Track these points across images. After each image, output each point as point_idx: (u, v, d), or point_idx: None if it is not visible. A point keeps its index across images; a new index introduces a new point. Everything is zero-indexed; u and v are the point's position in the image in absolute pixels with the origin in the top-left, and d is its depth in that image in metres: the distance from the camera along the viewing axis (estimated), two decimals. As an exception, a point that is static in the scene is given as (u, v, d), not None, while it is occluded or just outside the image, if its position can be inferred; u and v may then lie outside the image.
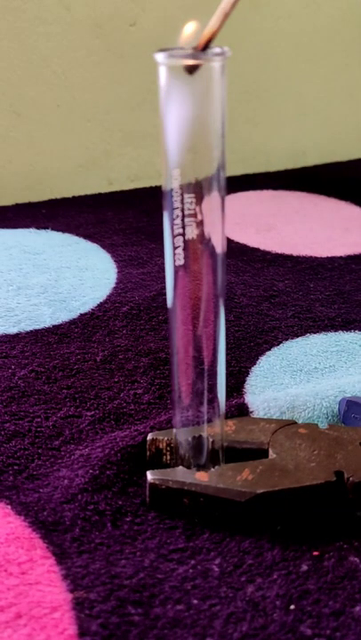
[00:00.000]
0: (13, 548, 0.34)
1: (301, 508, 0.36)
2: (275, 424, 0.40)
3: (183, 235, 0.32)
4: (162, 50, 0.30)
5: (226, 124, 0.31)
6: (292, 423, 0.40)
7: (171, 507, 0.36)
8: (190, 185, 0.31)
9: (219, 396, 0.36)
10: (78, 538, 0.35)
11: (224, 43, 0.30)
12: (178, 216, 0.32)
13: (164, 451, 0.39)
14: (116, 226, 0.74)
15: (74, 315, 0.55)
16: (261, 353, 0.51)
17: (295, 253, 0.68)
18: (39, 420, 0.43)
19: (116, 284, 0.61)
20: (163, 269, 0.61)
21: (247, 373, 0.49)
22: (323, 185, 0.88)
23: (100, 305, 0.57)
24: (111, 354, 0.51)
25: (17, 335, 0.52)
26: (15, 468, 0.39)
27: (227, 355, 0.37)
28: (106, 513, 0.36)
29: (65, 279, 0.61)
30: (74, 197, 0.82)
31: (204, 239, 0.32)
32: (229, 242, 0.70)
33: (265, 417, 0.43)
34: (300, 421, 0.43)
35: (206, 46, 0.29)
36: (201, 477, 0.36)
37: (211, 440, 0.37)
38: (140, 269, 0.64)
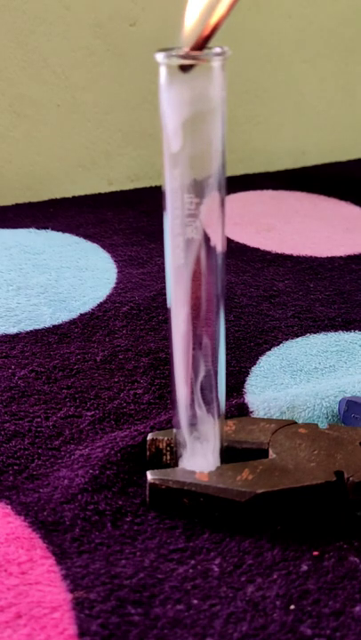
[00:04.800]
0: (13, 548, 0.34)
1: (301, 507, 0.36)
2: (275, 424, 0.40)
3: (183, 235, 0.32)
4: (162, 50, 0.30)
5: (226, 123, 0.31)
6: (292, 423, 0.40)
7: (171, 507, 0.36)
8: (190, 185, 0.31)
9: (219, 395, 0.36)
10: (78, 538, 0.35)
11: (224, 43, 0.30)
12: (178, 216, 0.32)
13: (164, 451, 0.39)
14: (116, 226, 0.74)
15: (74, 315, 0.55)
16: (261, 353, 0.51)
17: (295, 253, 0.68)
18: (39, 419, 0.43)
19: (116, 283, 0.61)
20: (163, 269, 0.61)
21: (247, 373, 0.49)
22: (323, 185, 0.88)
23: (100, 305, 0.57)
24: (111, 354, 0.51)
25: (17, 335, 0.52)
26: (15, 467, 0.39)
27: (227, 355, 0.37)
28: (106, 513, 0.36)
29: (65, 279, 0.61)
30: (74, 197, 0.82)
31: (204, 239, 0.32)
32: (229, 242, 0.70)
33: (265, 417, 0.43)
34: (300, 421, 0.43)
35: (210, 37, 0.29)
36: (201, 477, 0.36)
37: (211, 440, 0.37)
38: (140, 269, 0.64)
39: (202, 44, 0.29)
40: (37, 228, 0.72)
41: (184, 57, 0.29)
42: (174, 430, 0.37)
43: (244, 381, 0.48)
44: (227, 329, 0.36)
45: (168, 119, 0.30)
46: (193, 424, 0.36)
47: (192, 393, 0.36)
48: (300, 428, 0.39)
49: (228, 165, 0.34)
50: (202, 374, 0.35)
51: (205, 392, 0.36)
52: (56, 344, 0.52)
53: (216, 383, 0.36)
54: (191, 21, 0.30)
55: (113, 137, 0.84)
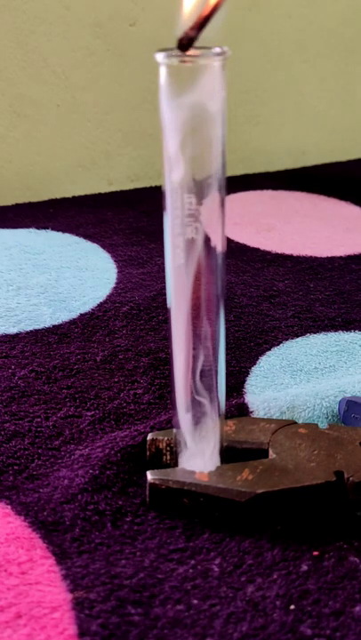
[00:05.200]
0: (13, 548, 0.34)
1: (301, 507, 0.36)
2: (275, 424, 0.40)
3: (183, 235, 0.32)
4: (162, 50, 0.30)
5: (226, 124, 0.31)
6: (292, 423, 0.40)
7: (171, 507, 0.36)
8: (190, 185, 0.31)
9: (219, 395, 0.36)
10: (78, 538, 0.35)
11: (224, 42, 0.30)
12: (178, 216, 0.32)
13: (164, 451, 0.39)
14: (116, 226, 0.74)
15: (74, 315, 0.55)
16: (261, 353, 0.51)
17: (295, 253, 0.68)
18: (39, 419, 0.43)
19: (116, 283, 0.61)
20: (163, 269, 0.61)
21: (247, 373, 0.49)
22: (323, 185, 0.88)
23: (100, 305, 0.57)
24: (111, 354, 0.51)
25: (17, 335, 0.52)
26: (15, 467, 0.39)
27: (227, 355, 0.37)
28: (106, 513, 0.36)
29: (65, 279, 0.61)
30: (74, 197, 0.82)
31: (204, 239, 0.32)
32: (229, 242, 0.70)
33: (265, 417, 0.43)
34: (300, 421, 0.43)
35: (210, 17, 0.29)
36: (201, 477, 0.36)
37: (211, 440, 0.37)
38: (140, 269, 0.64)
39: (202, 23, 0.29)
40: (37, 227, 0.72)
41: (184, 57, 0.29)
42: (174, 430, 0.37)
43: (244, 381, 0.48)
44: (227, 329, 0.36)
45: (168, 122, 0.30)
46: (193, 424, 0.36)
47: (192, 393, 0.36)
48: (300, 428, 0.39)
49: (228, 165, 0.34)
50: (202, 374, 0.35)
51: (205, 392, 0.36)
52: (56, 344, 0.52)
53: (216, 383, 0.36)
54: (191, 1, 0.30)
55: (113, 137, 0.84)
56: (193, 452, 0.37)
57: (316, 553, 0.34)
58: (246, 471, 0.36)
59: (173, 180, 0.31)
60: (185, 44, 0.29)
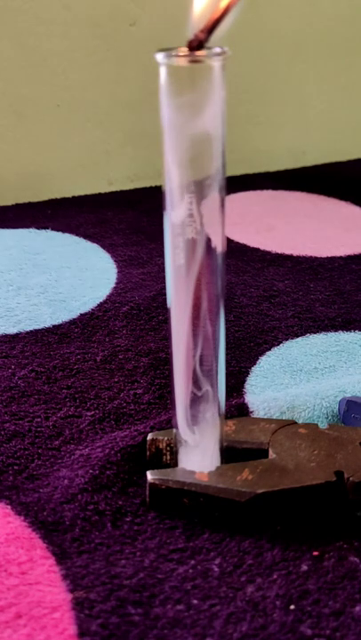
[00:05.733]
0: (13, 548, 0.34)
1: (301, 507, 0.36)
2: (275, 424, 0.40)
3: (183, 235, 0.32)
4: (162, 50, 0.30)
5: (226, 124, 0.31)
6: (292, 423, 0.40)
7: (171, 507, 0.36)
8: (190, 185, 0.31)
9: (219, 395, 0.36)
10: (78, 538, 0.35)
11: (224, 43, 0.30)
12: (178, 216, 0.32)
13: (164, 451, 0.39)
14: (116, 226, 0.74)
15: (74, 315, 0.55)
16: (261, 353, 0.51)
17: (295, 253, 0.68)
18: (39, 419, 0.43)
19: (116, 284, 0.61)
20: (163, 269, 0.61)
21: (247, 373, 0.49)
22: (323, 185, 0.88)
23: (100, 305, 0.57)
24: (111, 354, 0.51)
25: (17, 335, 0.52)
26: (15, 467, 0.39)
27: (227, 355, 0.37)
28: (106, 513, 0.36)
29: (65, 279, 0.61)
30: (74, 197, 0.82)
31: (204, 239, 0.32)
32: (229, 242, 0.70)
33: (265, 417, 0.43)
34: (300, 421, 0.43)
35: (220, 19, 0.29)
36: (201, 477, 0.36)
37: (211, 440, 0.37)
38: (140, 269, 0.64)
39: (212, 26, 0.29)
40: (37, 227, 0.72)
41: (184, 58, 0.29)
42: (174, 430, 0.37)
43: (244, 381, 0.48)
44: (227, 329, 0.36)
45: (168, 122, 0.30)
46: (193, 424, 0.36)
47: (192, 393, 0.36)
48: (300, 428, 0.39)
49: (228, 165, 0.34)
50: (202, 374, 0.35)
51: (205, 392, 0.36)
52: (56, 344, 0.52)
53: (216, 383, 0.36)
54: (201, 4, 0.30)
55: (113, 137, 0.84)
56: (193, 452, 0.37)
57: (316, 553, 0.34)
58: (246, 471, 0.36)
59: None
60: (195, 46, 0.29)
